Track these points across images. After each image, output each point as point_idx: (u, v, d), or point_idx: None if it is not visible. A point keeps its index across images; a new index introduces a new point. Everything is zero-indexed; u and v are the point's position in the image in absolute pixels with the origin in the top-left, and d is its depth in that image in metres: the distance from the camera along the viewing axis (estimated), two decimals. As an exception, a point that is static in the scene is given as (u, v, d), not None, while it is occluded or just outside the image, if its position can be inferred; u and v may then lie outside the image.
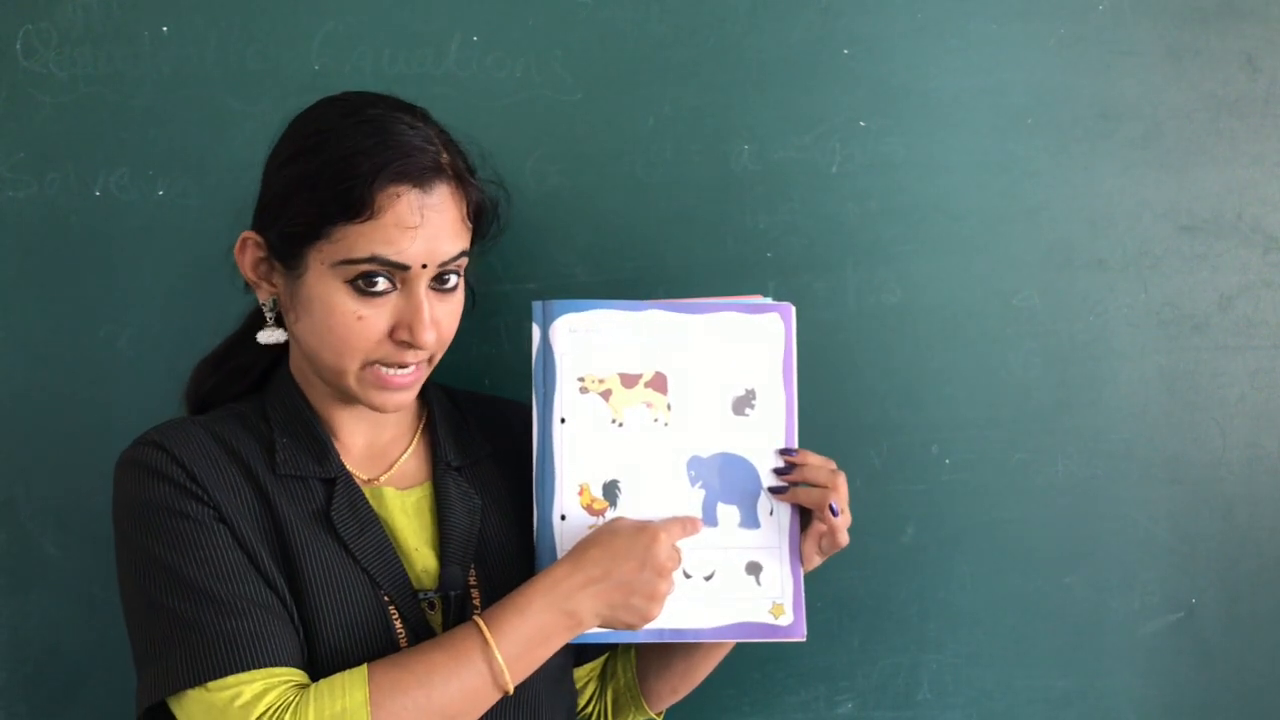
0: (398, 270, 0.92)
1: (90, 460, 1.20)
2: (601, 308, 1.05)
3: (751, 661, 1.27)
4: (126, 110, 1.21)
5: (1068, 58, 1.28)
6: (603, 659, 1.19)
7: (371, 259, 0.91)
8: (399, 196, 0.91)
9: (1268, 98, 1.29)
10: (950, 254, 1.28)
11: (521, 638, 0.92)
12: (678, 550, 0.99)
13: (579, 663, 1.14)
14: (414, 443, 1.07)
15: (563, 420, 1.04)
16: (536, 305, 1.05)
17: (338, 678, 0.88)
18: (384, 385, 0.96)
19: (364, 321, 0.93)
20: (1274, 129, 1.29)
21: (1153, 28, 1.28)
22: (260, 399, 1.03)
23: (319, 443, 1.00)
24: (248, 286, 1.01)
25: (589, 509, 1.03)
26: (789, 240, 1.27)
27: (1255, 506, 1.31)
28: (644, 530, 0.97)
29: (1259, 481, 1.31)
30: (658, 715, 1.19)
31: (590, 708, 1.19)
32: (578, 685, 1.15)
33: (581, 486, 1.03)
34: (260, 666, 0.88)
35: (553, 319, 1.04)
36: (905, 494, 1.29)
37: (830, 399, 1.26)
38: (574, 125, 1.25)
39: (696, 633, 1.03)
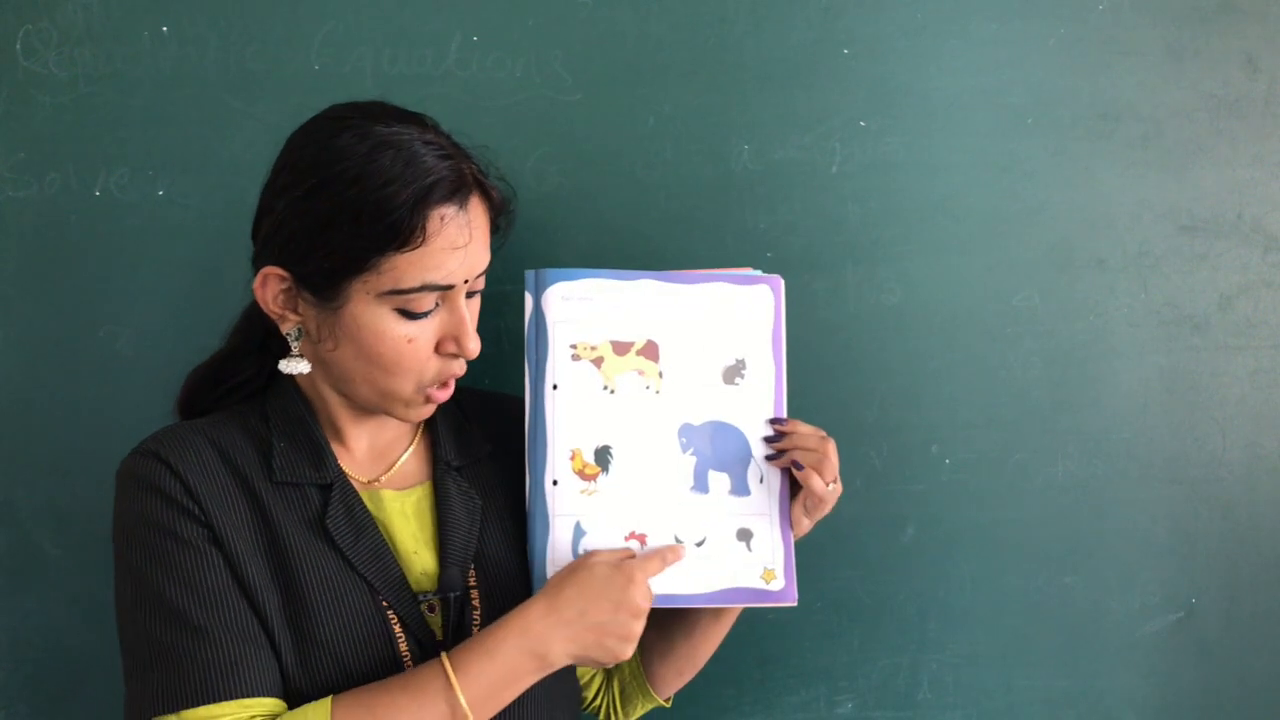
0: (444, 290, 0.93)
1: (90, 461, 1.21)
2: (594, 276, 1.05)
3: (751, 661, 1.27)
4: (126, 110, 1.21)
5: (1068, 58, 1.28)
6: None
7: (422, 287, 0.92)
8: (444, 219, 0.91)
9: (1268, 98, 1.29)
10: (950, 254, 1.28)
11: (488, 680, 0.91)
12: (650, 589, 0.97)
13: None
14: (414, 443, 1.07)
15: (555, 386, 1.04)
16: (529, 274, 1.05)
17: (300, 711, 0.88)
18: (432, 401, 0.98)
19: (414, 343, 0.94)
20: (1274, 129, 1.29)
21: (1153, 28, 1.28)
22: (262, 401, 1.03)
23: (316, 447, 0.99)
24: (249, 292, 0.99)
25: (581, 474, 1.03)
26: (789, 240, 1.27)
27: (1255, 506, 1.31)
28: (620, 570, 0.96)
29: (1259, 481, 1.31)
30: (666, 702, 1.19)
31: (599, 700, 1.20)
32: (582, 680, 1.16)
33: (574, 452, 1.03)
34: (234, 697, 0.88)
35: (546, 286, 1.04)
36: (905, 494, 1.29)
37: (830, 399, 1.26)
38: (574, 125, 1.25)
39: (689, 598, 1.03)
